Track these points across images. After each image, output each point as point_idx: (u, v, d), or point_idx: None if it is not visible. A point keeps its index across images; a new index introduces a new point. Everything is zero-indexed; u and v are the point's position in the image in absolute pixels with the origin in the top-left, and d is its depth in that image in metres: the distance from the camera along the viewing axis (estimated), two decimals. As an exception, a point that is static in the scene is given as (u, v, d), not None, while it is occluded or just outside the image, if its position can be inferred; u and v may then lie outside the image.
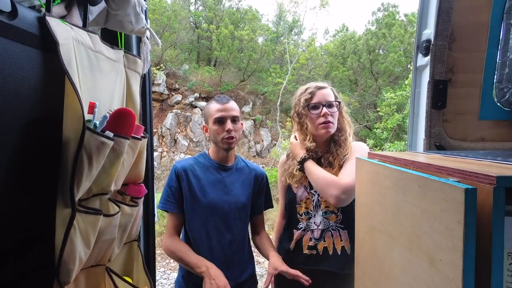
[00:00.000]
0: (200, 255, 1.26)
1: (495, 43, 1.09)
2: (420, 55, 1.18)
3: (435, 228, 0.51)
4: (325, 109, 1.25)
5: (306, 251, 1.30)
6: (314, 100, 1.28)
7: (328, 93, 1.29)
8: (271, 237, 1.49)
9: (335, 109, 1.28)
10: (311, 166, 1.27)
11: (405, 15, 11.70)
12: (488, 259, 0.44)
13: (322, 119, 1.25)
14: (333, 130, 1.28)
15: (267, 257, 1.33)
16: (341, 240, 1.27)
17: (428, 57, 1.13)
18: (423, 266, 0.55)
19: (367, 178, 0.86)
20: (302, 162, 1.30)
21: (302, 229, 1.32)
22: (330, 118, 1.25)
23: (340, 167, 1.26)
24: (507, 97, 1.08)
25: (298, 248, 1.32)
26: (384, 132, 8.33)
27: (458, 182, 0.48)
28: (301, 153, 1.31)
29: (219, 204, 1.31)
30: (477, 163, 0.63)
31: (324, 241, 1.28)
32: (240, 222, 1.35)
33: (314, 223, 1.29)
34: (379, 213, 0.76)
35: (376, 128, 8.75)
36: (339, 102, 1.31)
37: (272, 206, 1.48)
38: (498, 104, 1.12)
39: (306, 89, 1.32)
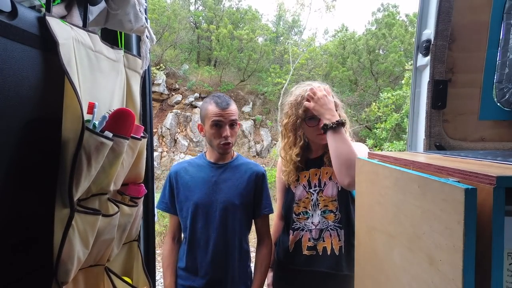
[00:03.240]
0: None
1: (495, 43, 1.09)
2: (420, 55, 1.18)
3: (435, 228, 0.51)
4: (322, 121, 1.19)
5: (305, 252, 1.29)
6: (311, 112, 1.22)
7: None
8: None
9: None
10: (345, 135, 1.14)
11: (406, 16, 11.70)
12: (488, 259, 0.44)
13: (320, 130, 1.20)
14: None
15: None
16: (339, 240, 1.26)
17: (428, 57, 1.13)
18: (423, 266, 0.54)
19: (367, 178, 0.86)
20: (337, 125, 1.14)
21: (297, 229, 1.31)
22: None
23: None
24: (507, 97, 1.08)
25: (298, 249, 1.31)
26: (383, 132, 8.33)
27: (458, 182, 0.48)
28: (336, 115, 1.17)
29: (205, 203, 1.30)
30: (477, 163, 0.63)
31: (323, 241, 1.27)
32: (231, 224, 1.31)
33: (312, 223, 1.28)
34: (379, 213, 0.76)
35: (377, 128, 8.75)
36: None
37: (271, 212, 1.40)
38: (498, 104, 1.12)
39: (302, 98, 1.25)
